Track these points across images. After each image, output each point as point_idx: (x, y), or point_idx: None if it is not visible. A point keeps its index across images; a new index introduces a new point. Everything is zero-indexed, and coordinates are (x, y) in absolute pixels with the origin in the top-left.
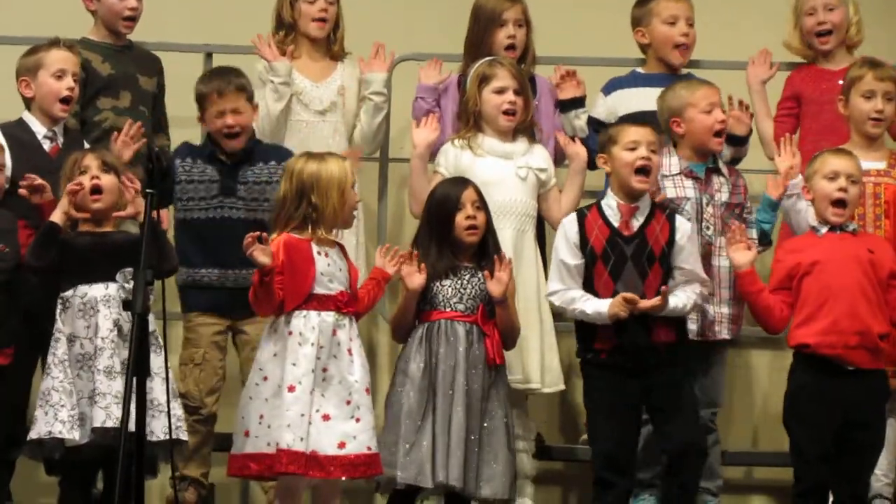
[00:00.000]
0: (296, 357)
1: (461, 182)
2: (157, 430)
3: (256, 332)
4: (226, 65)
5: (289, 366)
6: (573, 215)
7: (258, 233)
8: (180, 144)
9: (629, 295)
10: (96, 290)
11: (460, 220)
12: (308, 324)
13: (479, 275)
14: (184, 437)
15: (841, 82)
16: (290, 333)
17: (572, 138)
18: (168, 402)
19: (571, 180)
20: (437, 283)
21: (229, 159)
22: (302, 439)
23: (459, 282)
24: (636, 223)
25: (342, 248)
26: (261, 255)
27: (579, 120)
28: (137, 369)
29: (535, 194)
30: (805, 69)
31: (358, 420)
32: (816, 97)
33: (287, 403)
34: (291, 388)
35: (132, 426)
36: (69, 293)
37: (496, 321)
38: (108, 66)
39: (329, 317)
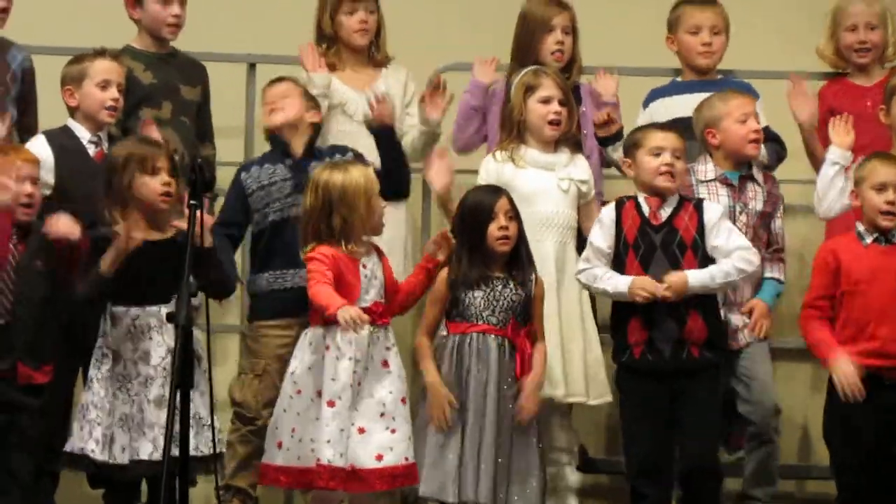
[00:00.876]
0: (334, 372)
1: (494, 191)
2: (200, 444)
3: None
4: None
5: (328, 381)
6: (612, 203)
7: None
8: (241, 165)
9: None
10: (149, 315)
11: (493, 230)
12: (345, 338)
13: (511, 285)
14: (221, 448)
15: (870, 103)
16: (328, 348)
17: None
18: (212, 415)
19: None
20: (469, 294)
21: (298, 153)
22: (342, 455)
23: (492, 293)
24: (664, 214)
25: (378, 250)
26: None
27: (616, 153)
28: (182, 382)
29: (576, 206)
30: (837, 84)
31: (394, 431)
32: (851, 114)
33: (326, 419)
34: (331, 404)
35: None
36: (120, 310)
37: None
38: (150, 75)
39: (364, 330)
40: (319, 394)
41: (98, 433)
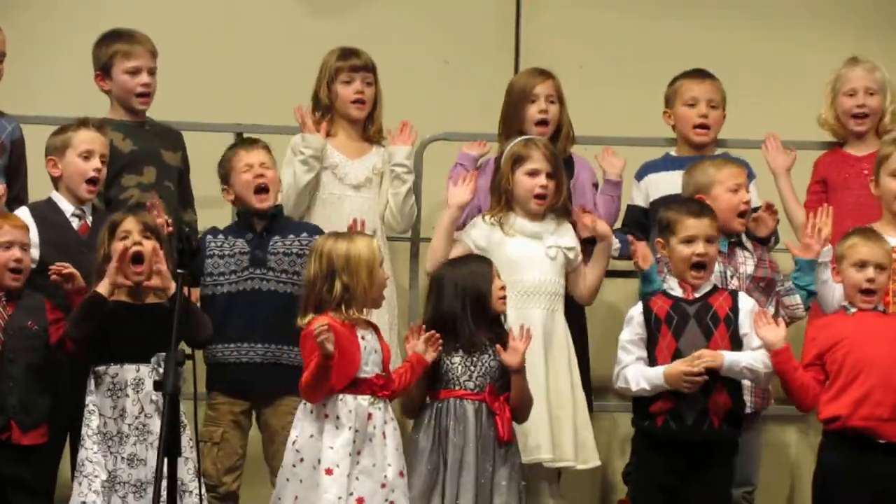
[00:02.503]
0: (333, 440)
1: (479, 258)
2: None
3: (279, 421)
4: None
5: (326, 449)
6: (638, 303)
7: (327, 322)
8: (210, 227)
9: (685, 366)
10: (127, 372)
11: (496, 290)
12: (345, 408)
13: (490, 351)
14: None
15: (865, 171)
16: (327, 416)
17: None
18: (200, 481)
19: (597, 258)
20: (448, 361)
21: (259, 226)
22: None
23: (470, 359)
24: (698, 294)
25: (375, 328)
26: (329, 344)
27: None
28: (168, 450)
29: (563, 273)
30: (831, 153)
31: (392, 503)
32: (840, 182)
33: (325, 486)
34: (329, 471)
35: None
36: (102, 368)
37: (512, 394)
38: (130, 142)
39: (364, 400)
40: (321, 461)
41: (97, 485)
